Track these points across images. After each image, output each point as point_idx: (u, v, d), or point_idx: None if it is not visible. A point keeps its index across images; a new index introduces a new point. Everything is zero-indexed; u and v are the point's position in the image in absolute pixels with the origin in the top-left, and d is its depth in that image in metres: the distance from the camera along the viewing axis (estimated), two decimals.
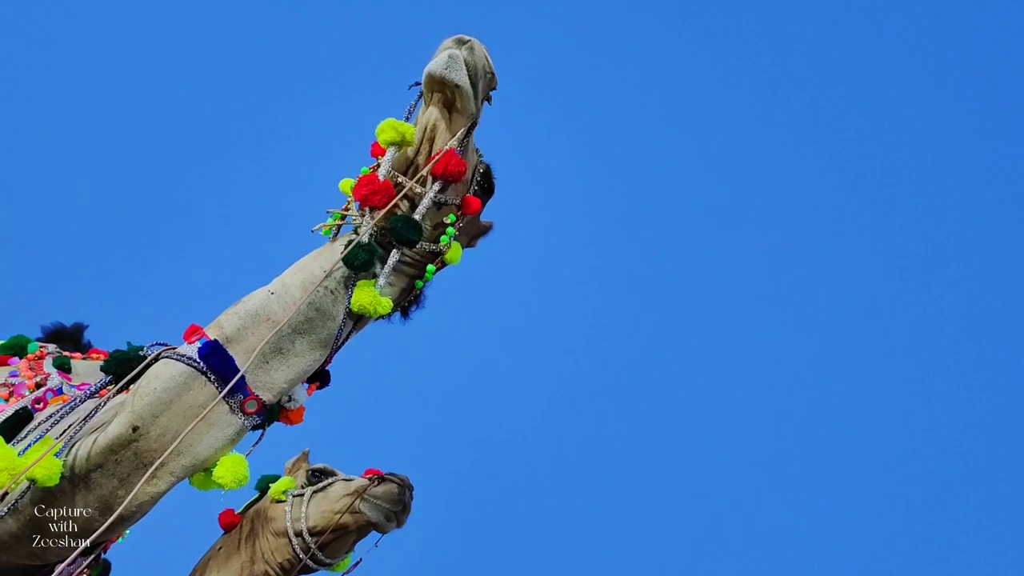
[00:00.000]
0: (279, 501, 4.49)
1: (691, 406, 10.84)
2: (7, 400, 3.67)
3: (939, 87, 11.83)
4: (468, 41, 3.40)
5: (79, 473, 3.23)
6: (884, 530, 10.30)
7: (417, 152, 3.47)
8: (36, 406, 3.62)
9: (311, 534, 4.37)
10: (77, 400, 3.43)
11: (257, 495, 4.71)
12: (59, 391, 3.77)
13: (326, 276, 3.36)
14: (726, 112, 11.60)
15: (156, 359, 3.33)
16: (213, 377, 3.24)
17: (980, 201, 11.59)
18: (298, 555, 4.36)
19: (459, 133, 3.44)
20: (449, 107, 3.42)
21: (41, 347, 4.18)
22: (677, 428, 10.72)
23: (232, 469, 3.28)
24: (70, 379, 3.93)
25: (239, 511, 4.66)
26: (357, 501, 4.36)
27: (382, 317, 3.53)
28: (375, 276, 3.45)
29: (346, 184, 3.56)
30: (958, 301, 11.22)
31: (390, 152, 3.44)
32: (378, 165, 3.51)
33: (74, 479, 3.23)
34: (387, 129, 3.41)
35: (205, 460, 3.28)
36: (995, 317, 11.15)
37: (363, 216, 3.46)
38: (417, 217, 3.45)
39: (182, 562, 4.66)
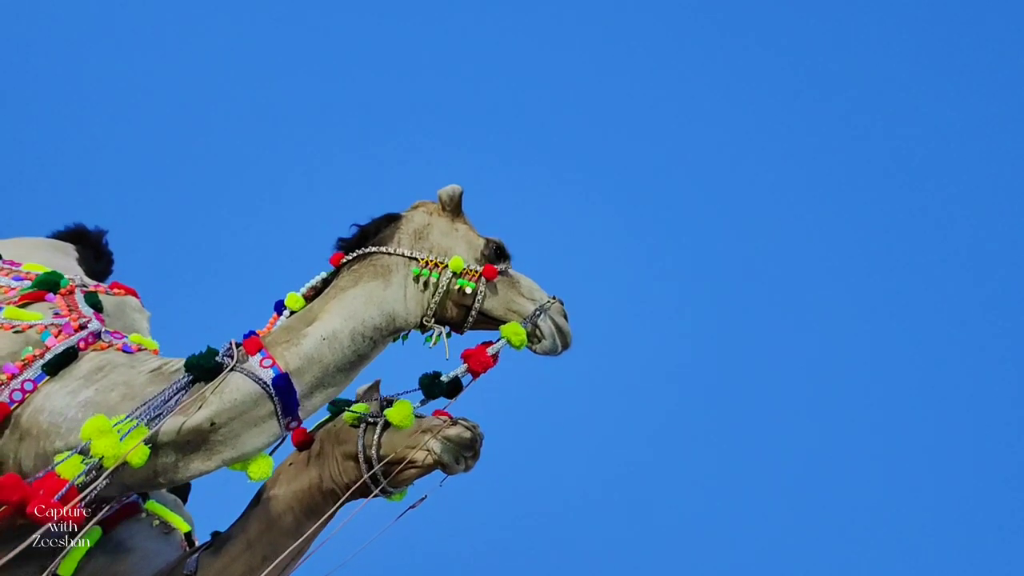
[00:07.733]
0: (353, 425, 4.59)
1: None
2: (56, 337, 4.35)
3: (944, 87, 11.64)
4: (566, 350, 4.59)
5: (157, 444, 4.06)
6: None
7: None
8: (81, 346, 4.37)
9: (380, 462, 4.49)
10: (163, 396, 4.18)
11: (328, 416, 4.82)
12: (98, 336, 4.45)
13: (375, 330, 4.40)
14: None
15: (231, 370, 4.18)
16: (279, 404, 4.18)
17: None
18: (365, 480, 4.49)
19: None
20: (530, 338, 4.52)
21: (70, 280, 4.78)
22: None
23: (263, 469, 4.24)
24: (103, 321, 4.61)
25: (311, 430, 4.77)
26: (430, 440, 4.45)
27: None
28: None
29: (456, 261, 4.52)
30: None
31: (502, 343, 4.49)
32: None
33: (152, 446, 4.05)
34: (517, 338, 4.46)
35: (248, 455, 4.22)
36: None
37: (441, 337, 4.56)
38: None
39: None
